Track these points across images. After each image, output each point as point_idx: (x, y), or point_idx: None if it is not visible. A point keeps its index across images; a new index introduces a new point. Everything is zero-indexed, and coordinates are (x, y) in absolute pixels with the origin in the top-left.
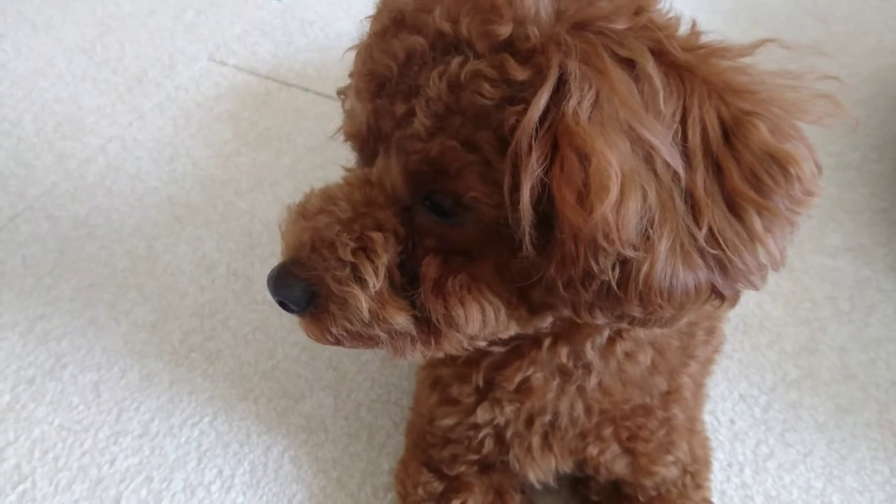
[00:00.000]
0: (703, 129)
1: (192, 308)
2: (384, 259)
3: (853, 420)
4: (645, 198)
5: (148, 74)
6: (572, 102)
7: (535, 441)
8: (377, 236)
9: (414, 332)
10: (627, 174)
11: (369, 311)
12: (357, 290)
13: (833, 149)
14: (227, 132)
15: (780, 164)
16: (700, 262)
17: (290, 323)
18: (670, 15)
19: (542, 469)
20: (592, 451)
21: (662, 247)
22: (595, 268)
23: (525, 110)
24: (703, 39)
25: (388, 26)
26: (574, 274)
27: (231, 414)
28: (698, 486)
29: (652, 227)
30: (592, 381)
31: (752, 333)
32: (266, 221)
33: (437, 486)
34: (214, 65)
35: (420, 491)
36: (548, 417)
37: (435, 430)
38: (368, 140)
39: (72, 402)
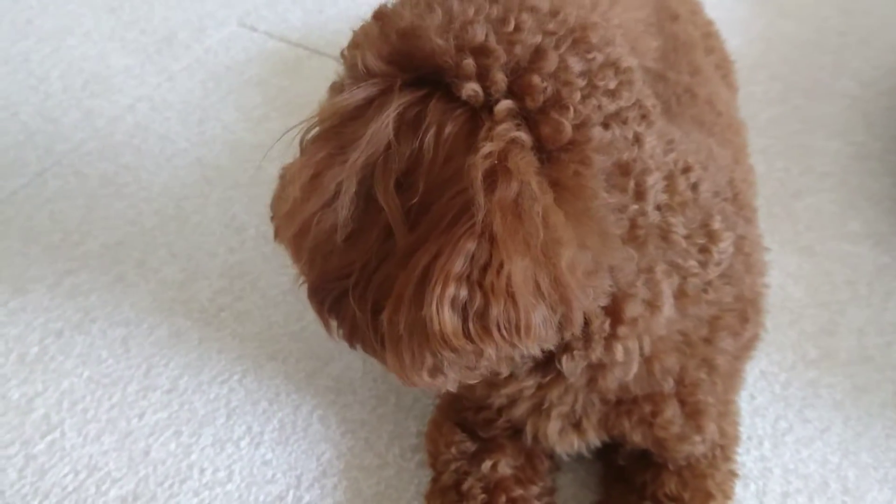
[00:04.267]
0: None
1: (221, 268)
2: None
3: (869, 399)
4: None
5: (177, 36)
6: None
7: (552, 426)
8: None
9: None
10: None
11: None
12: None
13: (855, 139)
14: (256, 97)
15: None
16: None
17: None
18: None
19: (565, 447)
20: (614, 431)
21: None
22: None
23: None
24: None
25: None
26: None
27: (260, 373)
28: (727, 459)
29: None
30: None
31: (774, 313)
32: None
33: (470, 447)
34: (245, 30)
35: (453, 450)
36: (565, 408)
37: (469, 394)
38: None
39: (100, 356)
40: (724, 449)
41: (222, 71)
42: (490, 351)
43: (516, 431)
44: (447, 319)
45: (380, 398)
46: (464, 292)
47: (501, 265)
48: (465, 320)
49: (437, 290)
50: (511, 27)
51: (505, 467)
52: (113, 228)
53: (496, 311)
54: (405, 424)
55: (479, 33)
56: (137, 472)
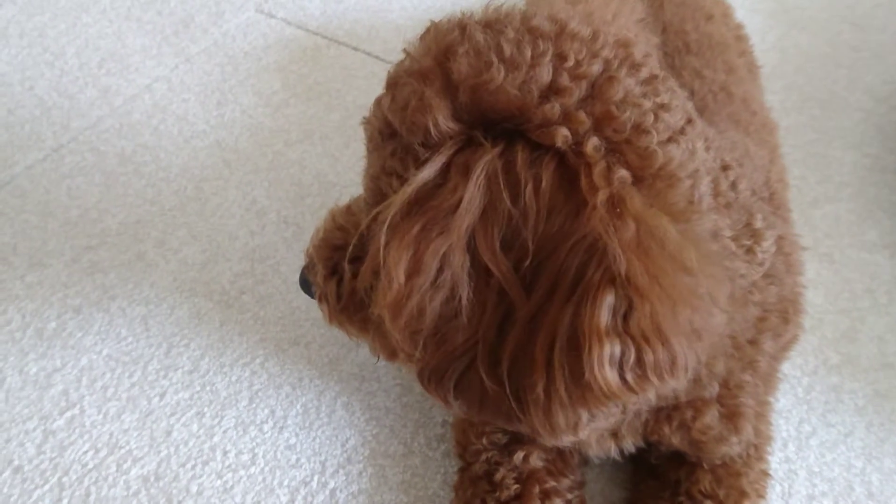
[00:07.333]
0: None
1: (242, 251)
2: None
3: (891, 406)
4: None
5: (194, 19)
6: None
7: (593, 434)
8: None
9: None
10: None
11: None
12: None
13: (870, 150)
14: (275, 83)
15: None
16: None
17: None
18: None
19: (601, 453)
20: (653, 436)
21: None
22: None
23: None
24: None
25: None
26: None
27: (283, 357)
28: (760, 458)
29: None
30: None
31: None
32: (316, 173)
33: (502, 438)
34: (262, 16)
35: (484, 440)
36: (611, 419)
37: None
38: None
39: (120, 334)
40: (757, 448)
41: (240, 56)
42: (650, 394)
43: None
44: (609, 378)
45: (404, 387)
46: (617, 346)
47: (647, 309)
48: (622, 373)
49: (595, 352)
50: (571, 62)
51: (537, 459)
52: (132, 207)
53: (651, 356)
54: (430, 414)
55: (546, 74)
56: (159, 451)
